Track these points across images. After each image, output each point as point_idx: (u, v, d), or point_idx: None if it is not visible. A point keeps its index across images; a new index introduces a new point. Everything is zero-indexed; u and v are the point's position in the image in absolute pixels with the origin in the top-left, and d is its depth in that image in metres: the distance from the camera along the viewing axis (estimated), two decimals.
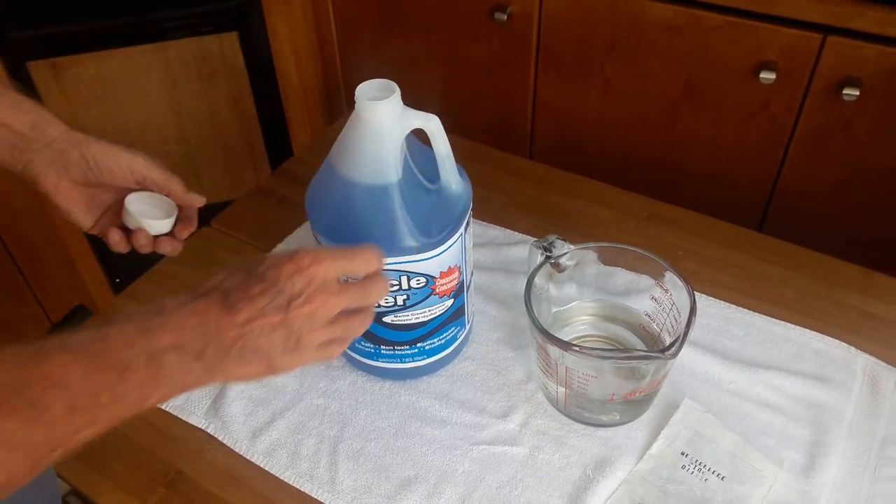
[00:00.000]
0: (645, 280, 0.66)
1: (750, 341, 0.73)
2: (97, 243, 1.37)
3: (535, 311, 0.60)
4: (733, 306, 0.76)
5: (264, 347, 0.44)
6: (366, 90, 0.57)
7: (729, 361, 0.70)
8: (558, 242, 0.66)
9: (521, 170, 0.96)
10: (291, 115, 1.37)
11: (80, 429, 0.39)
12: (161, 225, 0.63)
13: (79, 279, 1.41)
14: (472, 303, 0.73)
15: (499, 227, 0.86)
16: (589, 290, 0.71)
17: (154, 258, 0.82)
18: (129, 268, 0.96)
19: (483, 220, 0.87)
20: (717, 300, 0.77)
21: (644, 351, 0.55)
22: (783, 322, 0.74)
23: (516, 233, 0.86)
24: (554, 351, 0.60)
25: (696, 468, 0.62)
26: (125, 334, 0.41)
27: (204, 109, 1.33)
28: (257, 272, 0.45)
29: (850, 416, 0.66)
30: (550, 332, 0.58)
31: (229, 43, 1.28)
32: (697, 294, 0.77)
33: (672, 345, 0.56)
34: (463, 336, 0.71)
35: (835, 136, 0.94)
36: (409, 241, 0.59)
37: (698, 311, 0.75)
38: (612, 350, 0.55)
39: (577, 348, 0.57)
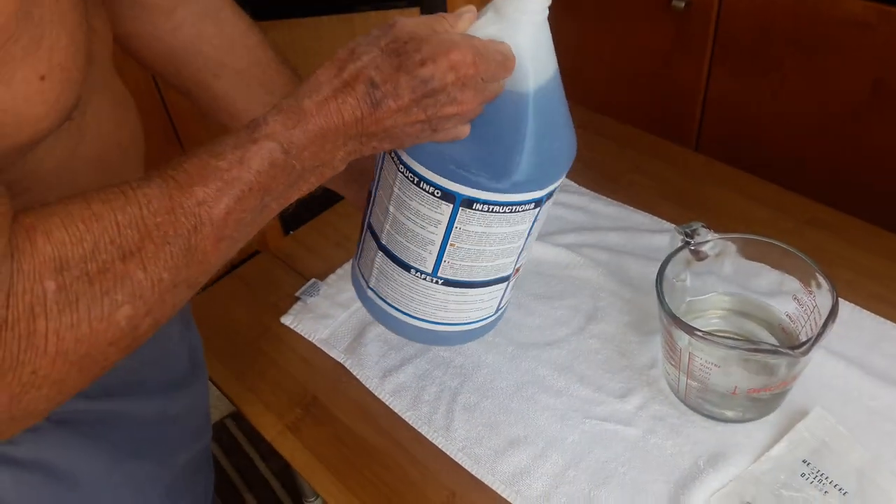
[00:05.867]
0: (789, 281, 0.64)
1: None
2: None
3: (667, 297, 0.60)
4: (890, 322, 0.71)
5: (400, 136, 0.44)
6: None
7: (874, 377, 0.66)
8: (702, 230, 0.65)
9: (678, 158, 0.94)
10: None
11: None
12: None
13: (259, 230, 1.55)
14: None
15: (644, 213, 0.86)
16: (727, 285, 0.69)
17: (317, 209, 0.90)
18: (298, 217, 1.05)
19: (629, 205, 0.87)
20: (873, 314, 0.72)
21: (772, 345, 0.53)
22: None
23: (661, 220, 0.85)
24: (678, 335, 0.60)
25: (817, 479, 0.59)
26: (263, 154, 0.40)
27: None
28: (411, 61, 0.42)
29: None
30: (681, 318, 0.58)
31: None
32: (851, 306, 0.73)
33: (804, 343, 0.54)
34: None
35: None
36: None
37: (850, 324, 0.72)
38: (739, 340, 0.54)
39: (700, 333, 0.56)
